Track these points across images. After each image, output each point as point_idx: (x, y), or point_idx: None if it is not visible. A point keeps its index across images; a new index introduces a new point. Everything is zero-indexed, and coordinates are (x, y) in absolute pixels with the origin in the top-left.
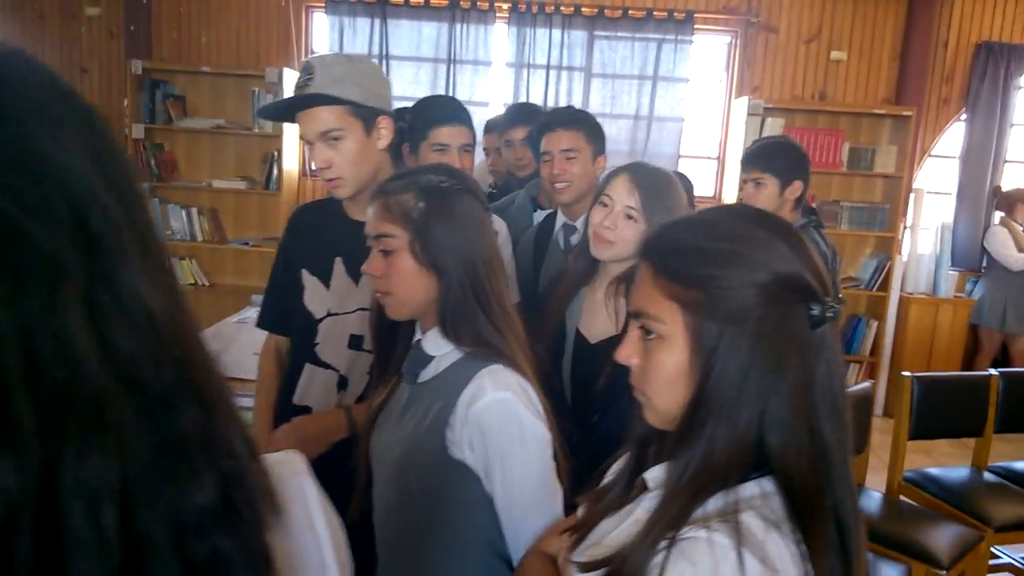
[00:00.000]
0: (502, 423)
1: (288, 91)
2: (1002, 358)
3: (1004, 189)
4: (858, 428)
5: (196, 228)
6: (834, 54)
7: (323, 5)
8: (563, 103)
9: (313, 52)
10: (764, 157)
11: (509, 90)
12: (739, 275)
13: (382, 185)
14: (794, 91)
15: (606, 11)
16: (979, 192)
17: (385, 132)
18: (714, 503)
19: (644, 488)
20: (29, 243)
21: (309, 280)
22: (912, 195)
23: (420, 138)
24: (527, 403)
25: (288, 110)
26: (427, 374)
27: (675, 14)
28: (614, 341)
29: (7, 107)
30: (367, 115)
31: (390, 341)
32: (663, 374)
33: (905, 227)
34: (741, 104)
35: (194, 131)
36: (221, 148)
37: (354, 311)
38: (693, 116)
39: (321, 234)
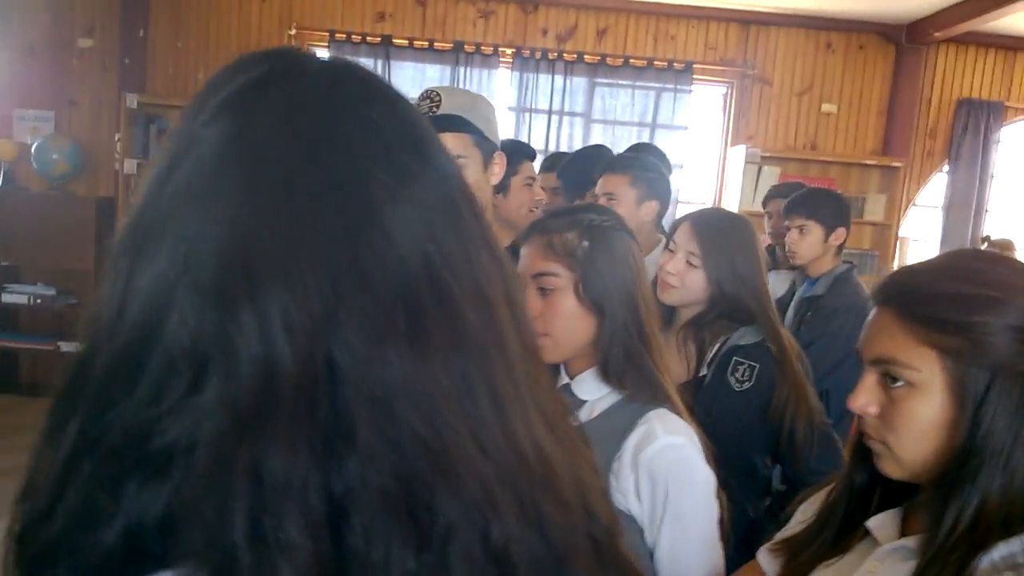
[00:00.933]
0: (675, 469)
1: None
2: None
3: (993, 238)
4: None
5: None
6: (825, 107)
7: (326, 44)
8: (563, 148)
9: None
10: (809, 204)
11: (510, 133)
12: (1002, 320)
13: (542, 223)
14: (787, 141)
15: (608, 59)
16: (962, 240)
17: (498, 169)
18: (998, 554)
19: (864, 537)
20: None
21: None
22: (898, 243)
23: (511, 172)
24: (697, 448)
25: None
26: (579, 418)
27: (675, 64)
28: (687, 386)
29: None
30: (487, 149)
31: None
32: (915, 424)
33: None
34: (737, 152)
35: None
36: None
37: None
38: (691, 163)
39: None
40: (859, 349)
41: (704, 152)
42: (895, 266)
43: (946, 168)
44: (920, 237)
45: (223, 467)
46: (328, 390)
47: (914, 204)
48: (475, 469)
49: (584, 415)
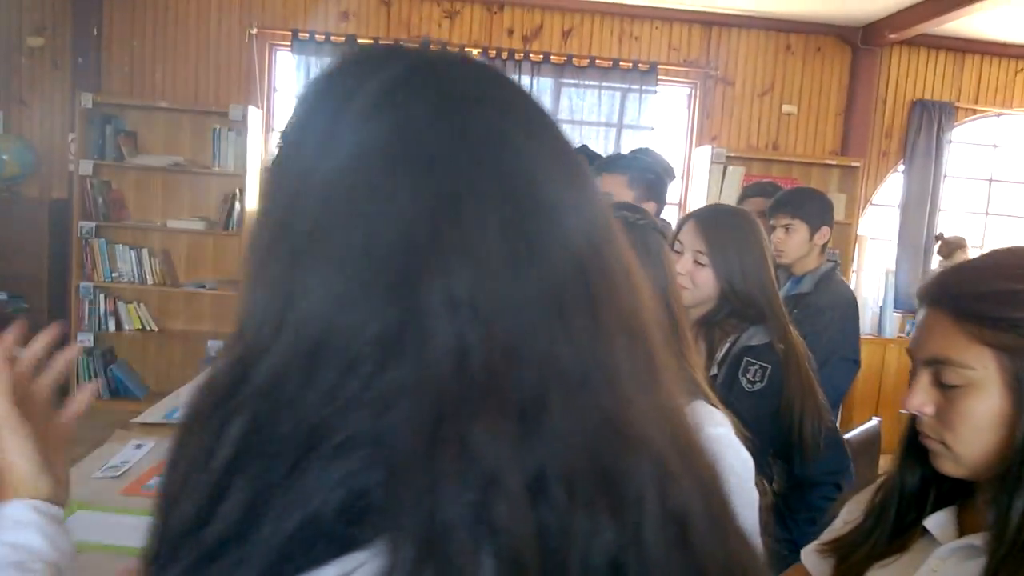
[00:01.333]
0: (722, 458)
1: (253, 130)
2: None
3: (946, 236)
4: (871, 462)
5: (146, 270)
6: (785, 107)
7: (288, 44)
8: None
9: (276, 91)
10: (794, 204)
11: None
12: None
13: None
14: (750, 141)
15: (574, 59)
16: (917, 238)
17: None
18: None
19: (921, 536)
20: None
21: None
22: (857, 242)
23: None
24: (736, 437)
25: None
26: None
27: (639, 65)
28: None
29: None
30: None
31: None
32: (973, 422)
33: (852, 272)
34: (702, 152)
35: (147, 169)
36: (175, 187)
37: None
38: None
39: None
40: (910, 350)
41: (670, 152)
42: (856, 265)
43: (901, 167)
44: (878, 236)
45: (428, 449)
46: (517, 368)
47: (871, 203)
48: (652, 437)
49: None
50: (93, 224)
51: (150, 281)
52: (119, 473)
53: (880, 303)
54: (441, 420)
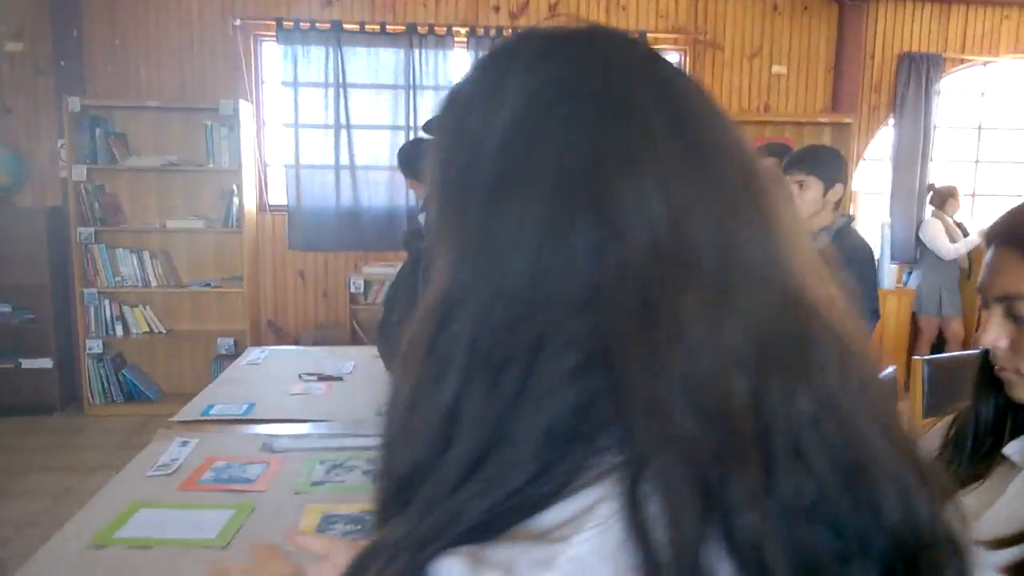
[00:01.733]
0: None
1: (246, 125)
2: (938, 342)
3: (937, 186)
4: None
5: (149, 272)
6: (775, 68)
7: (273, 35)
8: None
9: (264, 83)
10: (809, 161)
11: None
12: None
13: None
14: (742, 104)
15: None
16: (910, 190)
17: None
18: None
19: (1000, 463)
20: None
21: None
22: (851, 197)
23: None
24: None
25: None
26: None
27: (630, 34)
28: None
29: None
30: None
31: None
32: None
33: None
34: None
35: (140, 170)
36: (169, 187)
37: None
38: None
39: None
40: (981, 288)
41: None
42: (855, 222)
43: (891, 121)
44: (871, 190)
45: (642, 332)
46: (706, 256)
47: (863, 159)
48: (830, 317)
49: None
50: (92, 230)
51: (153, 283)
52: (171, 471)
53: (877, 256)
54: (648, 305)
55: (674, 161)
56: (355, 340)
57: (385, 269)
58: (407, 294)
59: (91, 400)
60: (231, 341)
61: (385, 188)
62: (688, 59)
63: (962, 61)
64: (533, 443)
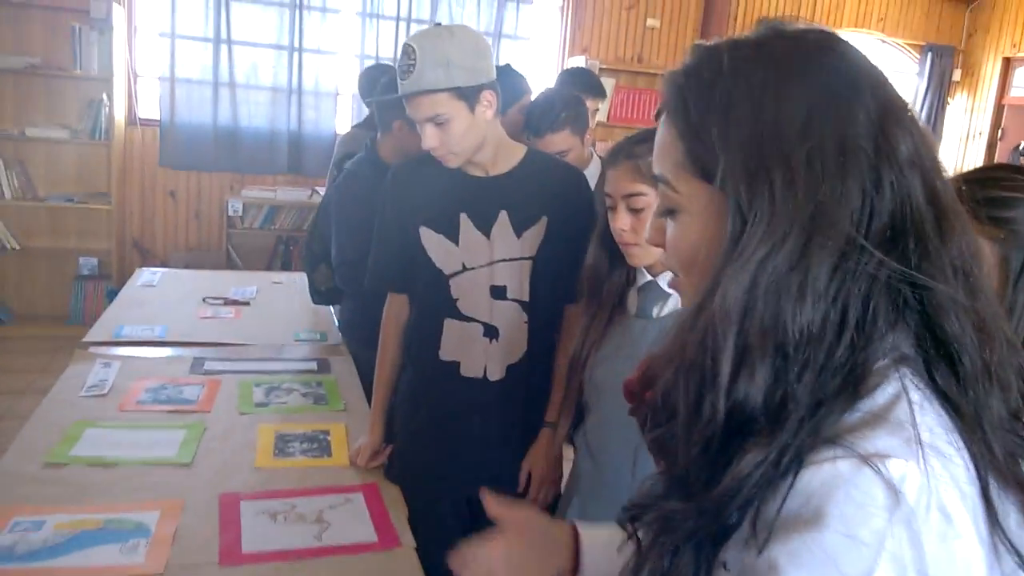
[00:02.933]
0: None
1: (118, 30)
2: None
3: None
4: None
5: (2, 184)
6: (649, 21)
7: None
8: None
9: None
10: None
11: (358, 40)
12: None
13: (627, 148)
14: (617, 53)
15: None
16: None
17: (488, 104)
18: None
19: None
20: None
21: (432, 237)
22: None
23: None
24: None
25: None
26: (665, 309)
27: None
28: None
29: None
30: (471, 94)
31: (599, 284)
32: None
33: None
34: (575, 63)
35: None
36: (28, 92)
37: (489, 264)
38: (532, 73)
39: (439, 192)
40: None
41: (543, 63)
42: None
43: None
44: None
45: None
46: (952, 208)
47: None
48: None
49: (670, 305)
50: None
51: (8, 195)
52: (104, 392)
53: None
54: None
55: (914, 144)
56: (230, 265)
57: (264, 193)
58: (355, 223)
59: None
60: (95, 261)
61: (267, 109)
62: (570, 4)
63: None
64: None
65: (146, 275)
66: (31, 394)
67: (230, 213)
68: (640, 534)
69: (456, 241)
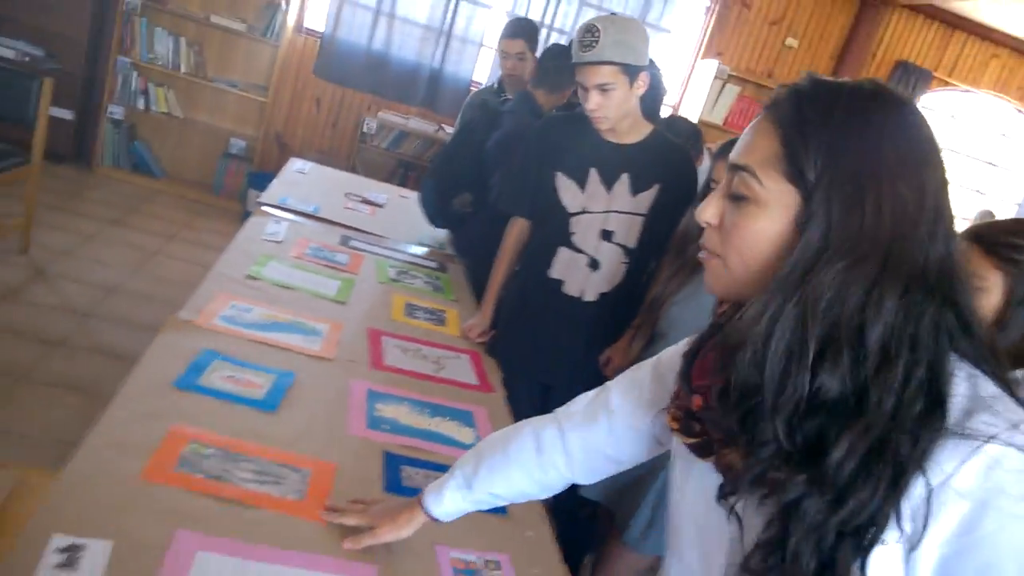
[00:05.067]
0: None
1: None
2: None
3: None
4: None
5: (181, 58)
6: (789, 40)
7: None
8: (558, 24)
9: None
10: None
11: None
12: None
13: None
14: (750, 64)
15: None
16: None
17: (642, 84)
18: None
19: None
20: None
21: (565, 181)
22: None
23: None
24: None
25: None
26: None
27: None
28: None
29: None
30: (634, 72)
31: (686, 245)
32: None
33: None
34: (706, 65)
35: None
36: None
37: (605, 212)
38: (665, 68)
39: (577, 147)
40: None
41: (677, 58)
42: None
43: None
44: None
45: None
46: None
47: None
48: None
49: None
50: (139, 1)
51: (183, 69)
52: (280, 239)
53: None
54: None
55: (948, 213)
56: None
57: (397, 119)
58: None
59: (101, 160)
60: (243, 143)
61: (416, 44)
62: (716, 7)
63: (947, 83)
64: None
65: (299, 164)
66: (178, 241)
67: (364, 129)
68: (739, 508)
69: (583, 188)
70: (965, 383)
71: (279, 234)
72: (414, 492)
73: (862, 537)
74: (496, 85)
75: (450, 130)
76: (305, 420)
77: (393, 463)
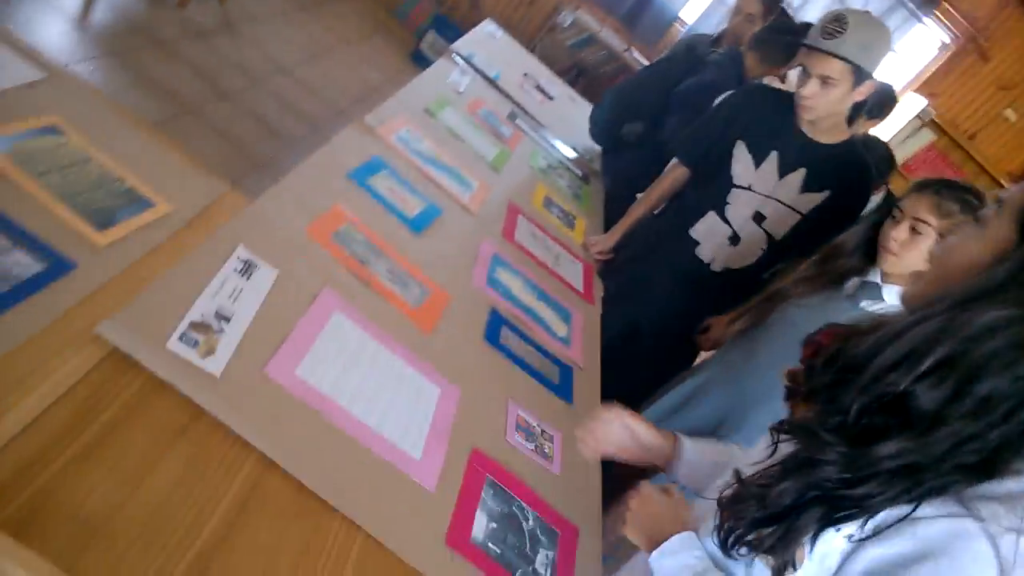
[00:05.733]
0: None
1: None
2: None
3: None
4: None
5: None
6: (1008, 111)
7: None
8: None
9: None
10: None
11: None
12: None
13: (937, 185)
14: (956, 117)
15: None
16: None
17: (863, 92)
18: None
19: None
20: None
21: (742, 152)
22: None
23: None
24: None
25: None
26: (872, 307)
27: None
28: None
29: None
30: (862, 78)
31: (836, 257)
32: None
33: None
34: (913, 99)
35: None
36: None
37: (767, 196)
38: None
39: (770, 125)
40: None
41: (885, 78)
42: None
43: None
44: None
45: None
46: None
47: None
48: None
49: (877, 307)
50: None
51: None
52: (460, 90)
53: None
54: None
55: None
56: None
57: (592, 23)
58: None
59: None
60: None
61: None
62: (952, 48)
63: None
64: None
65: (491, 27)
66: (350, 49)
67: (556, 20)
68: (781, 442)
69: (757, 166)
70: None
71: (460, 85)
72: (506, 349)
73: (839, 516)
74: (714, 37)
75: (636, 55)
76: (438, 252)
77: (496, 320)
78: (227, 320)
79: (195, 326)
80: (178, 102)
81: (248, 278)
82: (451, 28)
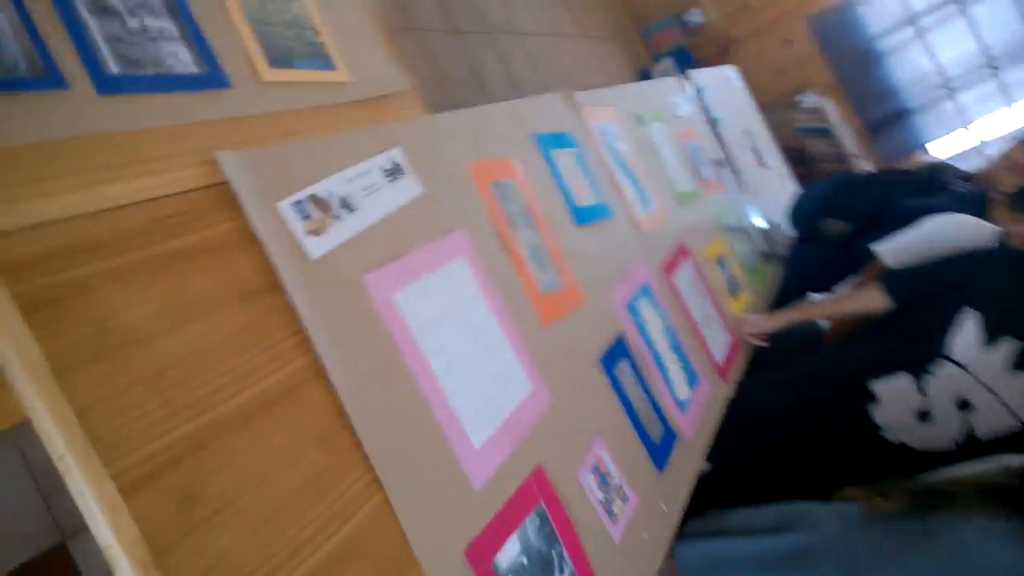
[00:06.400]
0: None
1: None
2: None
3: None
4: None
5: None
6: None
7: None
8: None
9: None
10: None
11: None
12: None
13: None
14: None
15: None
16: None
17: None
18: None
19: None
20: None
21: (970, 328)
22: None
23: None
24: None
25: None
26: None
27: None
28: None
29: None
30: None
31: None
32: None
33: None
34: None
35: None
36: None
37: (979, 383)
38: None
39: (1019, 306)
40: None
41: None
42: None
43: None
44: None
45: None
46: None
47: None
48: None
49: None
50: None
51: None
52: (678, 114)
53: None
54: None
55: None
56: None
57: (834, 116)
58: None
59: None
60: (700, 19)
61: (920, 74)
62: None
63: None
64: None
65: (732, 73)
66: (587, 46)
67: (798, 97)
68: None
69: (985, 349)
70: None
71: (680, 108)
72: (617, 382)
73: None
74: (967, 173)
75: (866, 165)
76: (591, 252)
77: (619, 348)
78: (350, 210)
79: (315, 200)
80: (409, 15)
81: (392, 181)
82: (690, 63)
